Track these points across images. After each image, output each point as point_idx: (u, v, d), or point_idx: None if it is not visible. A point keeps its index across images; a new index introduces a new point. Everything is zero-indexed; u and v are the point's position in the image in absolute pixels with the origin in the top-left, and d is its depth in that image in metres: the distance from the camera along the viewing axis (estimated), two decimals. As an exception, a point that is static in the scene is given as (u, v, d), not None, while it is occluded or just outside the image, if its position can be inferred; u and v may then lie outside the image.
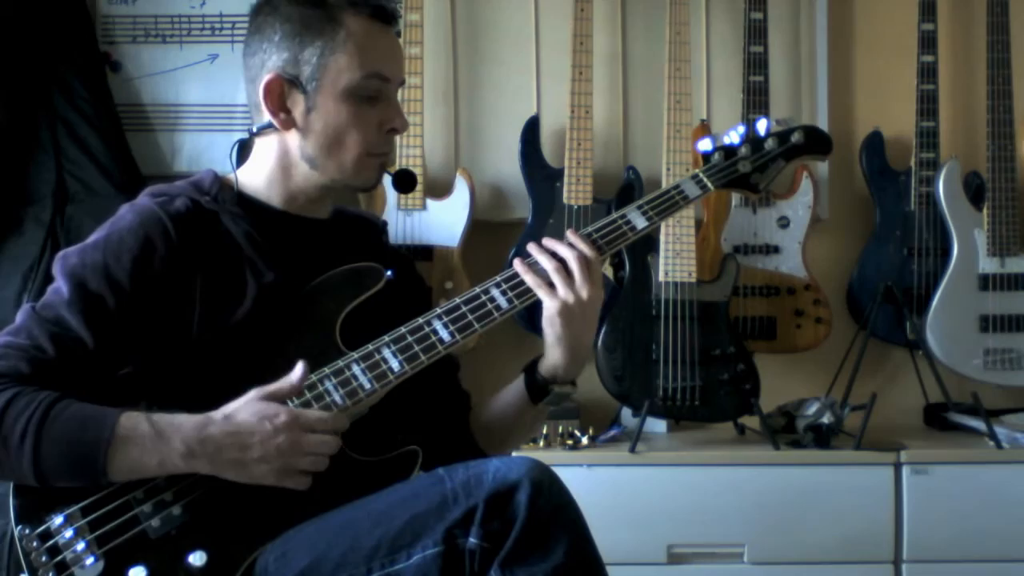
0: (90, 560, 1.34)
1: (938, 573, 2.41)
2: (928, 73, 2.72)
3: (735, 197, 2.71)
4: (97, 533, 1.35)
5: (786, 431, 2.56)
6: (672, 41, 2.66)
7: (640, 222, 1.57)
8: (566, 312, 1.51)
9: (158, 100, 2.83)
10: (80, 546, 1.35)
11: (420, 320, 1.48)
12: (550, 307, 1.51)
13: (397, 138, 2.66)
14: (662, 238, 2.60)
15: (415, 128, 2.65)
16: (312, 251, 1.57)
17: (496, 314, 1.50)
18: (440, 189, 2.72)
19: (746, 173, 1.66)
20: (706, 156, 1.67)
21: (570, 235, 1.54)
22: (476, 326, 1.49)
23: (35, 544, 1.35)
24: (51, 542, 1.34)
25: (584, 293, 1.51)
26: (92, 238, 1.47)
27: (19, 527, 1.35)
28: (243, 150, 1.62)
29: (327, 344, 1.48)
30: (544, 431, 2.50)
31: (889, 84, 2.85)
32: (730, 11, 2.81)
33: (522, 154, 2.72)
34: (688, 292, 2.58)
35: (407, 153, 2.66)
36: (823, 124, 2.82)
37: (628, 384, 2.57)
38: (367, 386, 1.44)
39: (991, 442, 2.49)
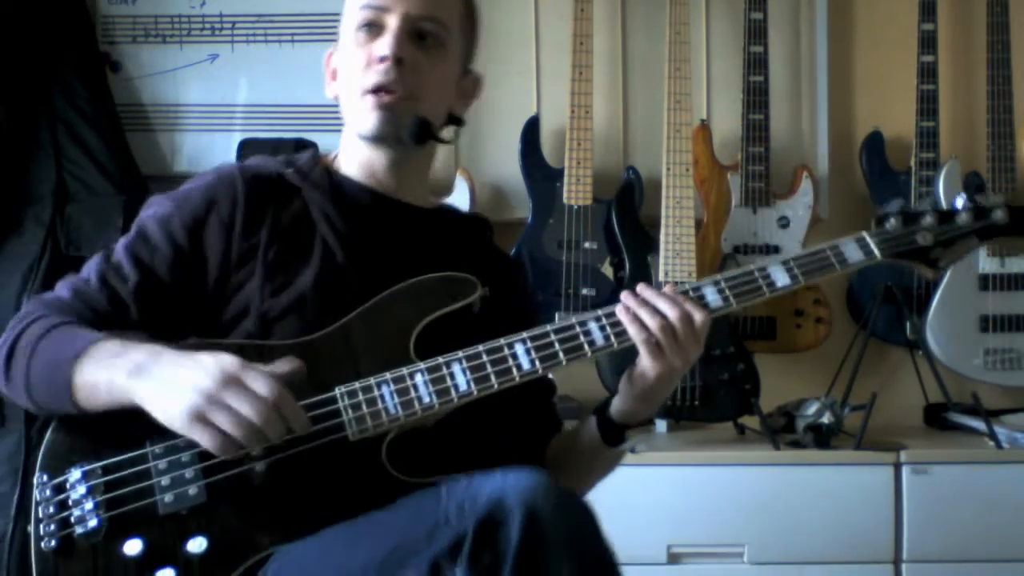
0: (93, 522, 1.28)
1: (938, 573, 2.41)
2: (928, 73, 2.72)
3: (735, 196, 2.71)
4: (109, 495, 1.29)
5: (786, 431, 2.56)
6: (672, 41, 2.66)
7: (782, 279, 1.43)
8: (665, 373, 1.39)
9: (158, 100, 2.83)
10: (88, 505, 1.28)
11: (502, 341, 1.37)
12: (648, 366, 1.39)
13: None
14: (662, 238, 2.60)
15: (415, 128, 2.65)
16: (403, 242, 1.49)
17: (587, 349, 1.38)
18: (440, 189, 2.71)
19: (926, 247, 1.48)
20: (880, 219, 1.50)
21: (673, 294, 1.40)
22: (562, 358, 1.37)
23: (48, 494, 1.29)
24: (63, 495, 1.29)
25: (690, 356, 1.38)
26: (178, 190, 1.46)
27: (39, 474, 1.31)
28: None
29: (397, 349, 1.38)
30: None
31: (889, 84, 2.85)
32: (730, 11, 2.81)
33: (522, 154, 2.72)
34: (688, 292, 2.58)
35: (407, 153, 2.66)
36: (823, 124, 2.83)
37: (628, 384, 2.56)
38: (425, 399, 1.33)
39: (991, 442, 2.49)
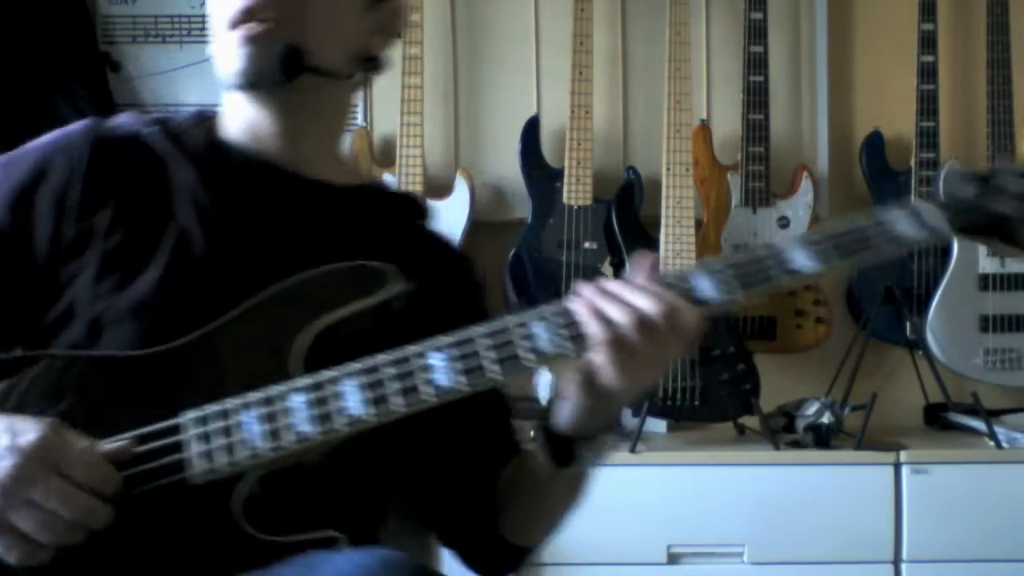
0: None
1: (938, 573, 2.41)
2: (928, 73, 2.71)
3: (735, 196, 2.71)
4: None
5: (786, 431, 2.56)
6: (672, 41, 2.66)
7: (803, 263, 1.07)
8: (633, 386, 1.03)
9: (158, 100, 2.82)
10: None
11: (412, 349, 1.01)
12: (610, 376, 1.01)
13: (397, 138, 2.68)
14: (662, 237, 2.60)
15: (415, 128, 2.65)
16: (298, 227, 1.15)
17: (531, 358, 1.01)
18: (440, 189, 2.71)
19: (1006, 216, 1.12)
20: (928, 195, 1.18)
21: (648, 284, 1.03)
22: (492, 372, 1.00)
23: None
24: None
25: (661, 363, 1.04)
26: (14, 150, 1.18)
27: None
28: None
29: (273, 363, 1.03)
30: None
31: (889, 84, 2.85)
32: (730, 11, 2.81)
33: (522, 154, 2.72)
34: (688, 292, 2.58)
35: (407, 153, 2.66)
36: (823, 124, 2.83)
37: (628, 384, 2.56)
38: (301, 428, 0.97)
39: (991, 442, 2.49)
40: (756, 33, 2.68)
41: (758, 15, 2.68)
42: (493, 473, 1.20)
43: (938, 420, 2.72)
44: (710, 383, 2.57)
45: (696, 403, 2.57)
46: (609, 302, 1.00)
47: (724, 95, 2.81)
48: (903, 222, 1.12)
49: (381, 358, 1.01)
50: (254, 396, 0.99)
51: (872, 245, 1.11)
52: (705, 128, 2.73)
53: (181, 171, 1.14)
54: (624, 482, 2.43)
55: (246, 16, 1.11)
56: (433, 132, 2.77)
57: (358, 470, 1.09)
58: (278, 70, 1.11)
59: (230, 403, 0.99)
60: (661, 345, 1.00)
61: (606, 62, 2.82)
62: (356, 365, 1.00)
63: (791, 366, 2.76)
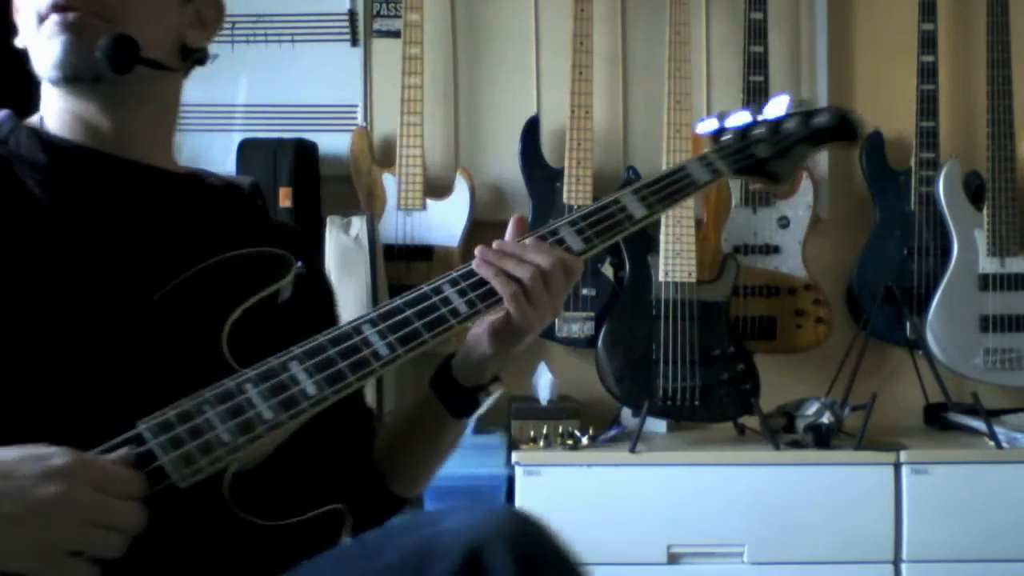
0: None
1: (938, 573, 2.41)
2: (928, 73, 2.72)
3: (735, 196, 2.71)
4: None
5: (786, 431, 2.56)
6: (672, 41, 2.66)
7: (638, 210, 1.24)
8: (534, 327, 1.16)
9: (158, 100, 2.82)
10: None
11: (347, 327, 1.06)
12: (519, 322, 1.15)
13: (397, 138, 2.68)
14: (662, 238, 2.60)
15: (415, 128, 2.66)
16: (152, 217, 1.12)
17: (452, 320, 1.11)
18: (440, 189, 2.72)
19: (764, 158, 1.34)
20: (713, 137, 1.38)
21: (537, 244, 1.17)
22: (425, 335, 1.08)
23: None
24: None
25: (559, 303, 1.18)
26: None
27: None
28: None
29: (209, 357, 1.03)
30: (544, 431, 2.50)
31: (889, 84, 2.85)
32: (730, 11, 2.81)
33: (522, 154, 2.72)
34: (688, 292, 2.58)
35: (407, 153, 2.66)
36: (823, 124, 2.83)
37: (628, 384, 2.57)
38: (267, 415, 0.99)
39: (991, 442, 2.49)
40: (756, 33, 2.68)
41: (758, 15, 2.69)
42: (368, 431, 1.29)
43: (938, 420, 2.72)
44: (710, 383, 2.57)
45: (696, 403, 2.57)
46: (509, 261, 1.15)
47: (724, 95, 2.81)
48: (696, 167, 1.30)
49: (319, 338, 1.05)
50: (209, 393, 0.99)
51: (680, 188, 1.28)
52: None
53: (28, 179, 1.08)
54: (624, 482, 2.43)
55: (59, 6, 1.07)
56: (433, 132, 2.77)
57: (295, 451, 1.11)
58: (105, 60, 1.07)
59: (186, 404, 0.98)
60: (555, 291, 1.16)
61: (606, 62, 2.82)
62: (294, 349, 1.03)
63: (791, 366, 2.76)
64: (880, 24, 2.89)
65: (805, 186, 2.73)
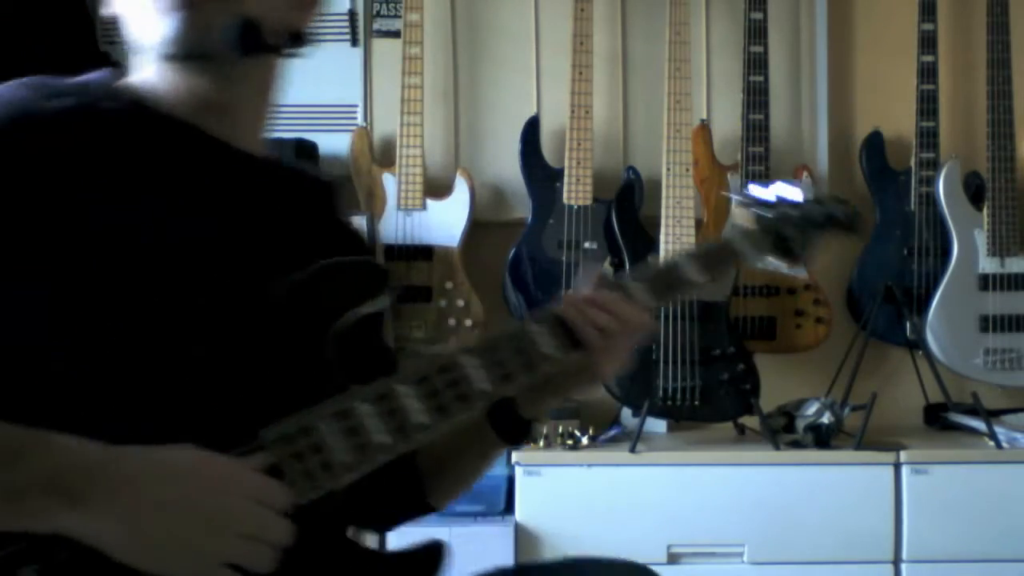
0: None
1: (938, 573, 2.41)
2: (928, 73, 2.72)
3: (735, 196, 2.70)
4: None
5: (786, 431, 2.56)
6: (672, 41, 2.66)
7: (700, 277, 1.32)
8: (606, 373, 1.22)
9: (158, 100, 2.82)
10: None
11: (449, 357, 1.06)
12: (593, 367, 1.19)
13: (397, 138, 2.68)
14: (662, 238, 2.60)
15: (415, 128, 2.66)
16: (252, 205, 1.10)
17: (544, 365, 1.13)
18: (440, 189, 2.71)
19: (790, 238, 1.44)
20: (752, 203, 1.50)
21: (619, 298, 1.21)
22: (522, 377, 1.10)
23: None
24: None
25: (627, 356, 1.23)
26: None
27: None
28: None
29: (316, 361, 1.02)
30: (544, 431, 2.50)
31: (889, 84, 2.85)
32: (730, 11, 2.81)
33: (522, 154, 2.72)
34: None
35: (407, 153, 2.66)
36: (823, 124, 2.83)
37: (628, 384, 2.57)
38: (380, 439, 0.97)
39: (991, 442, 2.49)
40: (756, 33, 2.68)
41: (758, 15, 2.68)
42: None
43: (938, 420, 2.72)
44: (710, 383, 2.57)
45: (696, 403, 2.57)
46: (598, 311, 1.18)
47: (724, 95, 2.81)
48: (740, 241, 1.43)
49: (423, 365, 1.04)
50: (327, 409, 0.96)
51: (729, 260, 1.43)
52: (705, 128, 2.73)
53: (128, 144, 1.05)
54: (624, 482, 2.43)
55: None
56: (433, 132, 2.77)
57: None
58: (233, 43, 1.04)
59: (306, 418, 0.95)
60: (630, 344, 1.21)
61: (606, 62, 2.82)
62: (404, 374, 1.02)
63: (791, 366, 2.76)
64: (880, 24, 2.89)
65: (805, 186, 2.72)
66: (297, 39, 1.15)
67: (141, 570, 0.83)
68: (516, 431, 1.23)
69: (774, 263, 1.47)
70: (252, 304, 1.01)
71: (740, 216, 1.49)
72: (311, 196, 1.22)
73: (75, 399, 0.91)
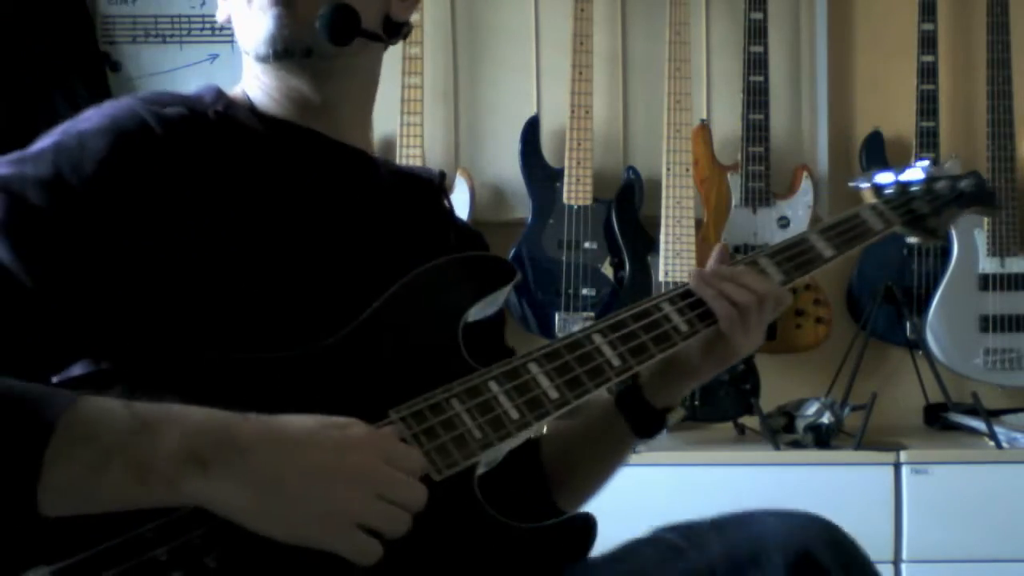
0: None
1: (938, 573, 2.41)
2: (928, 73, 2.72)
3: (735, 196, 2.71)
4: None
5: (786, 431, 2.55)
6: (672, 41, 2.66)
7: (827, 250, 1.32)
8: (741, 349, 1.24)
9: (158, 100, 2.83)
10: None
11: (578, 334, 1.08)
12: (727, 343, 1.21)
13: (397, 138, 2.68)
14: (662, 237, 2.60)
15: (415, 128, 2.65)
16: (363, 202, 1.12)
17: (676, 337, 1.14)
18: (440, 189, 2.71)
19: (924, 214, 1.45)
20: (879, 188, 1.50)
21: (751, 271, 1.23)
22: (653, 350, 1.12)
23: None
24: None
25: (764, 332, 1.25)
26: (36, 146, 1.04)
27: None
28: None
29: (448, 351, 1.03)
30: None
31: (889, 84, 2.85)
32: (730, 11, 2.81)
33: (522, 154, 2.72)
34: (688, 292, 2.58)
35: (407, 153, 2.66)
36: (823, 124, 2.83)
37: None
38: (515, 416, 0.99)
39: (991, 442, 2.49)
40: (756, 33, 2.68)
41: (758, 15, 2.69)
42: (535, 448, 1.27)
43: (938, 420, 2.72)
44: (710, 383, 2.56)
45: (696, 403, 2.57)
46: (728, 285, 1.18)
47: (724, 95, 2.81)
48: (871, 216, 1.39)
49: (555, 343, 1.06)
50: (457, 388, 0.98)
51: (859, 234, 1.36)
52: (705, 128, 2.73)
53: (245, 148, 1.06)
54: (624, 482, 2.43)
55: None
56: (433, 132, 2.77)
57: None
58: (324, 30, 1.04)
59: (436, 396, 0.97)
60: (766, 318, 1.22)
61: (606, 62, 2.82)
62: (534, 352, 1.05)
63: (791, 366, 2.76)
64: (880, 24, 2.89)
65: (805, 186, 2.73)
66: (394, 27, 1.15)
67: (276, 538, 0.83)
68: (649, 422, 1.25)
69: (908, 235, 1.51)
70: (383, 294, 1.03)
71: (869, 198, 1.51)
72: (423, 191, 1.24)
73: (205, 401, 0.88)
